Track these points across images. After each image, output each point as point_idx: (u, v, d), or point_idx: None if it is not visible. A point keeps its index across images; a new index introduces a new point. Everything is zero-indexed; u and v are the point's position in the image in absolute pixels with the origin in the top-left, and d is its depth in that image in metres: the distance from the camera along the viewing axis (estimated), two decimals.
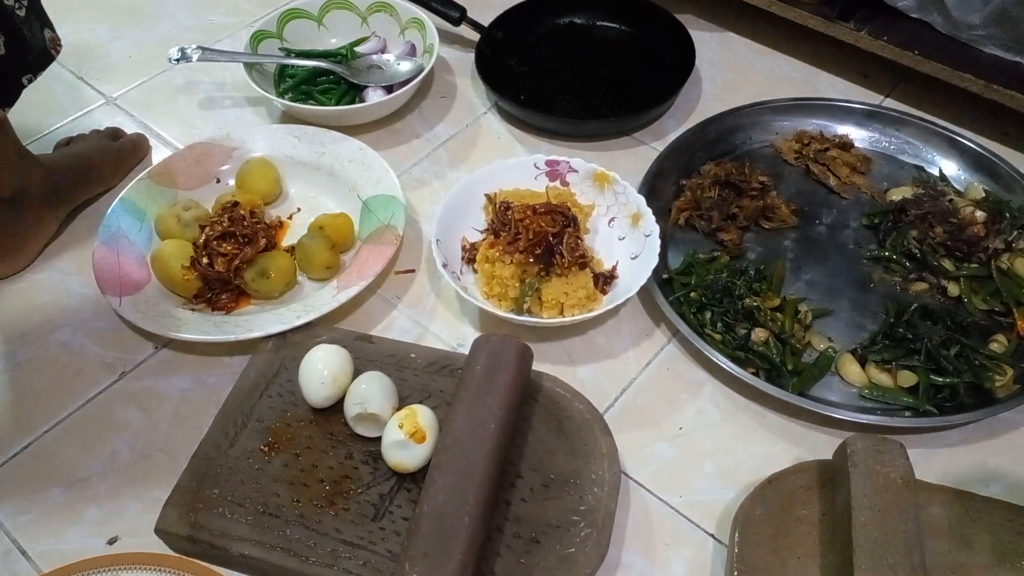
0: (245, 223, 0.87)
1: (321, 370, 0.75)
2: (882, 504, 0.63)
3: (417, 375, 0.79)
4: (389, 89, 1.06)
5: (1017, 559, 0.65)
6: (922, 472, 0.75)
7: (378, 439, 0.73)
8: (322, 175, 0.97)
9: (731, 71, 1.13)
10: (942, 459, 0.77)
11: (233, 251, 0.86)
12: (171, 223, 0.91)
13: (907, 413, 0.79)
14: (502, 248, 0.84)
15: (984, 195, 0.94)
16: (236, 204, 0.90)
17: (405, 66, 1.08)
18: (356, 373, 0.77)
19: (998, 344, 0.83)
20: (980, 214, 0.91)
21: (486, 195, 0.92)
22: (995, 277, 0.87)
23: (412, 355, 0.81)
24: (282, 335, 0.82)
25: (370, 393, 0.73)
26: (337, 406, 0.75)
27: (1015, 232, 0.91)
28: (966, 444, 0.78)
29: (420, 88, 1.08)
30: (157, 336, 0.84)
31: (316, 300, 0.84)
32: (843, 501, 0.65)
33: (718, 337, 0.84)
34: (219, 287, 0.87)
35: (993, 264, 0.87)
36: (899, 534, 0.61)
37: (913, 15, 1.01)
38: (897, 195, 0.95)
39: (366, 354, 0.80)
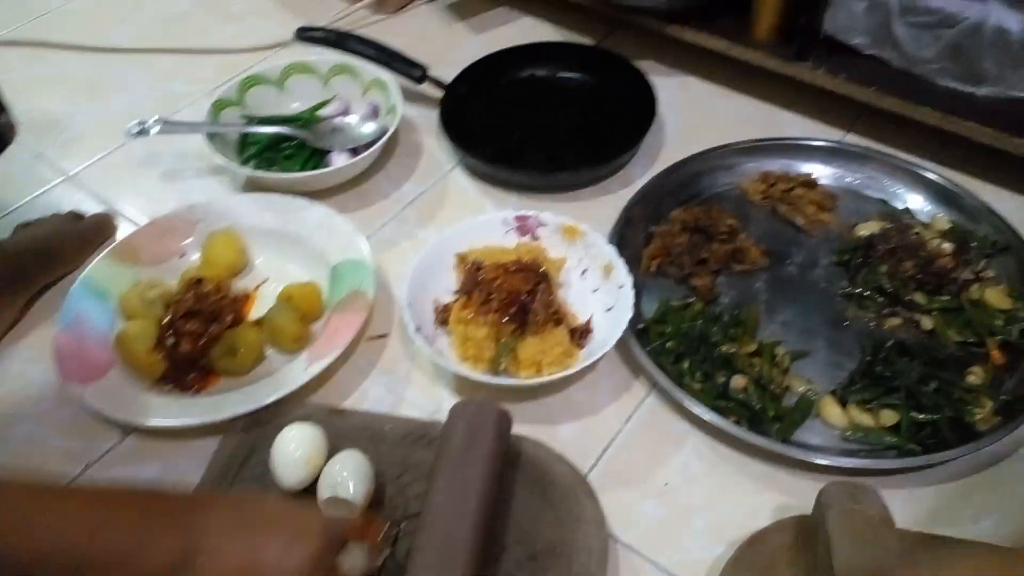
0: (210, 299, 0.86)
1: (294, 452, 0.73)
2: (861, 539, 0.62)
3: (393, 448, 0.77)
4: (354, 151, 1.06)
5: None
6: (911, 511, 0.75)
7: None
8: (289, 243, 0.96)
9: (693, 114, 1.14)
10: (929, 497, 0.76)
11: (199, 329, 0.84)
12: (135, 303, 0.89)
13: (892, 453, 0.78)
14: (475, 309, 0.83)
15: (950, 226, 0.95)
16: (200, 280, 0.88)
17: (368, 127, 1.08)
18: (331, 450, 0.75)
19: (975, 376, 0.82)
20: (947, 246, 0.92)
21: (456, 255, 0.91)
22: (966, 309, 0.87)
23: (387, 427, 0.79)
24: (252, 414, 0.80)
25: (343, 476, 0.71)
26: (314, 486, 0.73)
27: (982, 262, 0.91)
28: (952, 480, 0.77)
29: (385, 148, 1.07)
30: (123, 424, 0.82)
31: (286, 375, 0.83)
32: (823, 546, 0.64)
33: (698, 387, 0.83)
34: (186, 367, 0.85)
35: (964, 296, 0.88)
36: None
37: (868, 52, 1.02)
38: (865, 230, 0.96)
39: (340, 430, 0.78)
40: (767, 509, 0.76)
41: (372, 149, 1.03)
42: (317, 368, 0.82)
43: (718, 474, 0.79)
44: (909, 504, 0.75)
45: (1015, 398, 0.81)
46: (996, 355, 0.84)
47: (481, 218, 0.94)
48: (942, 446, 0.77)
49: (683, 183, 1.02)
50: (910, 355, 0.83)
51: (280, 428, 0.75)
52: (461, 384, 0.85)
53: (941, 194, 0.98)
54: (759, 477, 0.79)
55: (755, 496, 0.77)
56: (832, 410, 0.81)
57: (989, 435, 0.77)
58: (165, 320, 0.85)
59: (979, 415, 0.79)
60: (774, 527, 0.70)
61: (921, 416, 0.79)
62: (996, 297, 0.87)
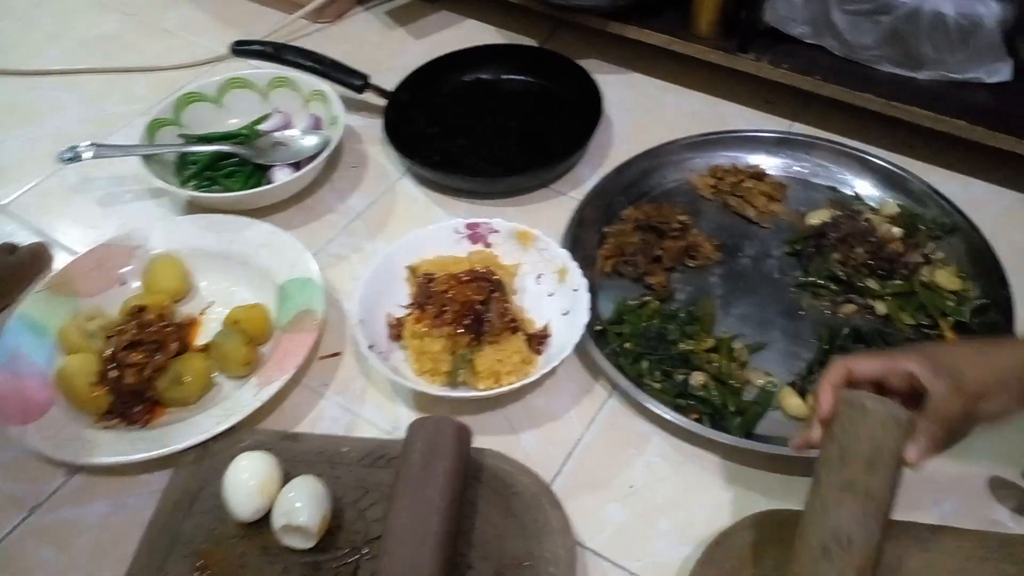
0: (153, 328, 0.83)
1: (247, 481, 0.70)
2: (838, 483, 0.59)
3: (351, 470, 0.75)
4: (297, 166, 1.03)
5: None
6: None
7: (315, 549, 0.69)
8: (233, 264, 0.93)
9: (640, 112, 1.13)
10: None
11: (143, 360, 0.81)
12: (75, 336, 0.85)
13: None
14: (429, 322, 0.81)
15: (898, 210, 0.95)
16: (142, 309, 0.85)
17: (311, 140, 1.05)
18: (286, 477, 0.72)
19: None
20: (896, 230, 0.92)
21: (407, 267, 0.89)
22: (919, 292, 0.87)
23: (344, 449, 0.77)
24: (203, 445, 0.77)
25: (298, 503, 0.68)
26: (269, 516, 0.71)
27: (931, 244, 0.92)
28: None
29: (329, 160, 1.05)
30: (68, 464, 0.79)
31: (236, 401, 0.80)
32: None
33: (657, 386, 0.82)
34: (131, 400, 0.81)
35: (915, 279, 0.88)
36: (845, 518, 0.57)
37: (809, 41, 1.03)
38: (815, 219, 0.96)
39: (294, 455, 0.76)
40: (733, 505, 0.75)
41: (315, 162, 1.00)
42: (267, 393, 0.79)
43: (683, 473, 0.78)
44: None
45: None
46: (950, 336, 0.85)
47: (431, 227, 0.92)
48: None
49: (633, 182, 1.01)
50: (866, 341, 0.84)
51: (232, 458, 0.73)
52: (419, 399, 0.83)
53: (888, 178, 0.98)
54: (724, 473, 0.78)
55: (721, 493, 0.77)
56: (792, 401, 0.81)
57: None
58: (107, 352, 0.82)
59: None
60: (740, 524, 0.70)
61: None
62: (946, 278, 0.88)
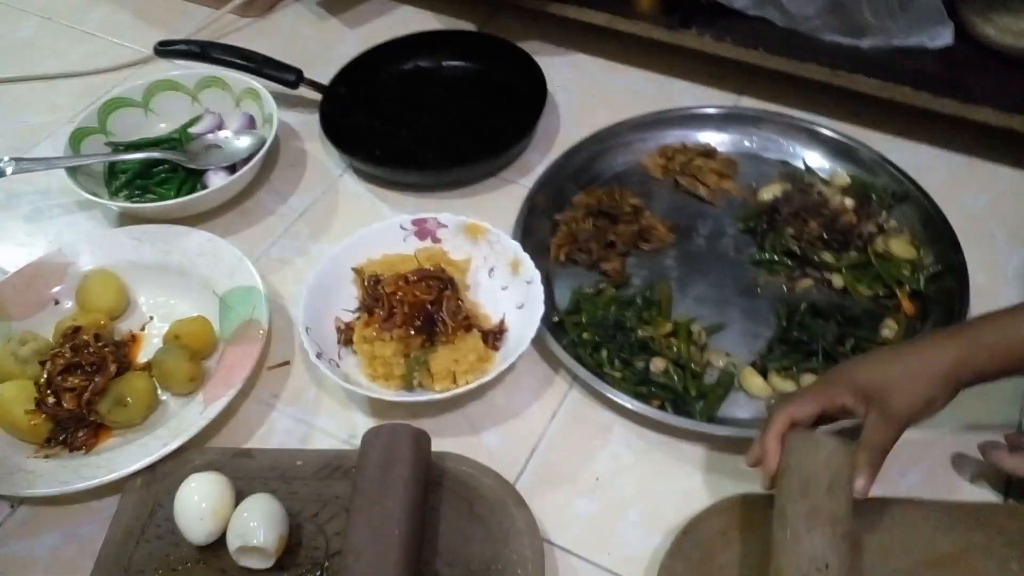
0: (90, 349, 0.79)
1: (198, 503, 0.67)
2: (804, 511, 0.59)
3: (307, 484, 0.72)
4: (232, 168, 0.99)
5: (937, 558, 0.63)
6: None
7: (275, 568, 0.66)
8: (171, 276, 0.89)
9: (586, 93, 1.11)
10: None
11: (81, 384, 0.77)
12: (7, 362, 0.81)
13: None
14: (378, 326, 0.78)
15: (850, 181, 0.95)
16: (78, 329, 0.81)
17: (245, 141, 1.01)
18: (239, 496, 0.69)
19: (889, 329, 0.82)
20: (849, 201, 0.91)
21: (353, 269, 0.86)
22: (874, 262, 0.87)
23: (299, 463, 0.74)
24: (151, 468, 0.74)
25: (252, 522, 0.65)
26: (224, 538, 0.68)
27: (884, 213, 0.91)
28: None
29: (266, 160, 1.01)
30: (10, 497, 0.75)
31: (183, 420, 0.76)
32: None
33: (618, 375, 0.81)
34: (73, 425, 0.78)
35: (870, 249, 0.88)
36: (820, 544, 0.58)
37: (752, 13, 1.01)
38: (767, 194, 0.95)
39: (247, 472, 0.73)
40: (701, 490, 0.74)
41: (251, 163, 0.96)
42: (214, 410, 0.76)
43: (648, 461, 0.77)
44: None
45: None
46: (907, 306, 0.84)
47: (376, 226, 0.89)
48: None
49: (582, 166, 0.99)
50: (824, 316, 0.83)
51: (182, 479, 0.70)
52: (375, 405, 0.81)
53: (838, 149, 0.98)
54: (690, 459, 0.77)
55: (687, 480, 0.76)
56: (753, 381, 0.80)
57: None
58: (43, 378, 0.78)
59: None
60: (707, 512, 0.68)
61: None
62: (901, 247, 0.88)
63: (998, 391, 0.76)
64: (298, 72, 1.08)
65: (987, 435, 0.74)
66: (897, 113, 0.99)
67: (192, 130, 1.04)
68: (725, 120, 1.02)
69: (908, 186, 0.92)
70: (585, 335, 0.83)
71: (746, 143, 1.01)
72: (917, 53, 0.97)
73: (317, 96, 1.07)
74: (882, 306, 0.85)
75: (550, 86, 1.07)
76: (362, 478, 0.67)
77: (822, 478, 0.60)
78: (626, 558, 0.71)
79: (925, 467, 0.74)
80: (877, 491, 0.71)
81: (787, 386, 0.80)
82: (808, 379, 0.79)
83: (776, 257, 0.89)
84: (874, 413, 0.61)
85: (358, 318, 0.81)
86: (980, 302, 0.84)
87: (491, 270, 0.88)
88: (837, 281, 0.87)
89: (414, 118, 1.07)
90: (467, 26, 1.20)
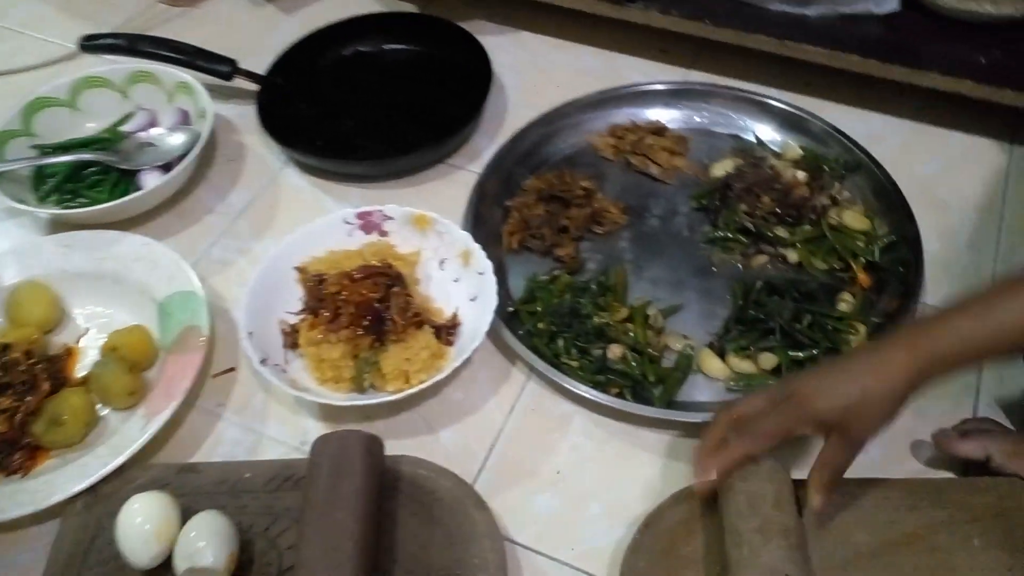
0: (21, 367, 0.75)
1: (141, 525, 0.64)
2: (756, 526, 0.59)
3: (257, 497, 0.70)
4: (167, 167, 0.94)
5: (900, 537, 0.63)
6: (803, 450, 0.73)
7: None
8: (107, 284, 0.85)
9: (533, 73, 1.08)
10: None
11: (13, 404, 0.73)
12: None
13: None
14: (324, 327, 0.75)
15: (801, 153, 0.93)
16: (7, 347, 0.77)
17: (179, 138, 0.96)
18: (186, 514, 0.66)
19: (846, 303, 0.82)
20: (801, 174, 0.90)
21: (296, 269, 0.82)
22: (828, 235, 0.86)
23: (247, 475, 0.71)
24: (91, 489, 0.70)
25: (200, 542, 0.63)
26: (172, 560, 0.65)
27: (836, 185, 0.90)
28: None
29: (203, 157, 0.97)
30: None
31: (124, 436, 0.73)
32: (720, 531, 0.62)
33: (575, 364, 0.79)
34: (6, 449, 0.73)
35: (823, 222, 0.87)
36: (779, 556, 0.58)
37: None
38: (719, 170, 0.93)
39: (193, 488, 0.70)
40: (663, 477, 0.73)
41: (186, 161, 0.92)
42: (156, 425, 0.73)
43: (609, 451, 0.76)
44: (800, 445, 0.74)
45: (885, 318, 0.80)
46: (862, 278, 0.84)
47: (319, 221, 0.85)
48: None
49: (532, 149, 0.97)
50: (780, 293, 0.82)
51: (125, 499, 0.66)
52: (326, 410, 0.78)
53: (788, 121, 0.96)
54: (651, 446, 0.76)
55: (649, 467, 0.74)
56: (711, 363, 0.79)
57: None
58: None
59: (855, 342, 0.79)
60: (669, 502, 0.67)
61: (800, 354, 0.78)
62: (854, 219, 0.87)
63: (951, 384, 0.76)
64: (232, 63, 1.03)
65: (942, 421, 0.73)
66: (847, 82, 0.98)
67: (123, 128, 0.99)
68: (674, 96, 1.00)
69: (860, 156, 0.91)
70: (541, 324, 0.81)
71: (696, 118, 0.99)
72: (864, 20, 0.96)
73: (254, 87, 1.03)
74: (838, 279, 0.84)
75: (496, 67, 1.04)
76: (312, 490, 0.64)
77: (768, 493, 0.60)
78: (590, 552, 0.70)
79: (883, 444, 0.74)
80: None
81: (745, 366, 0.79)
82: (766, 358, 0.78)
83: (730, 234, 0.88)
84: (834, 438, 0.61)
85: (303, 320, 0.78)
86: (935, 271, 0.84)
87: (442, 262, 0.85)
88: (792, 256, 0.86)
89: (356, 106, 1.04)
90: (408, 7, 1.16)
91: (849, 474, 0.68)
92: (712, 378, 0.79)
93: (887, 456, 0.72)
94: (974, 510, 0.63)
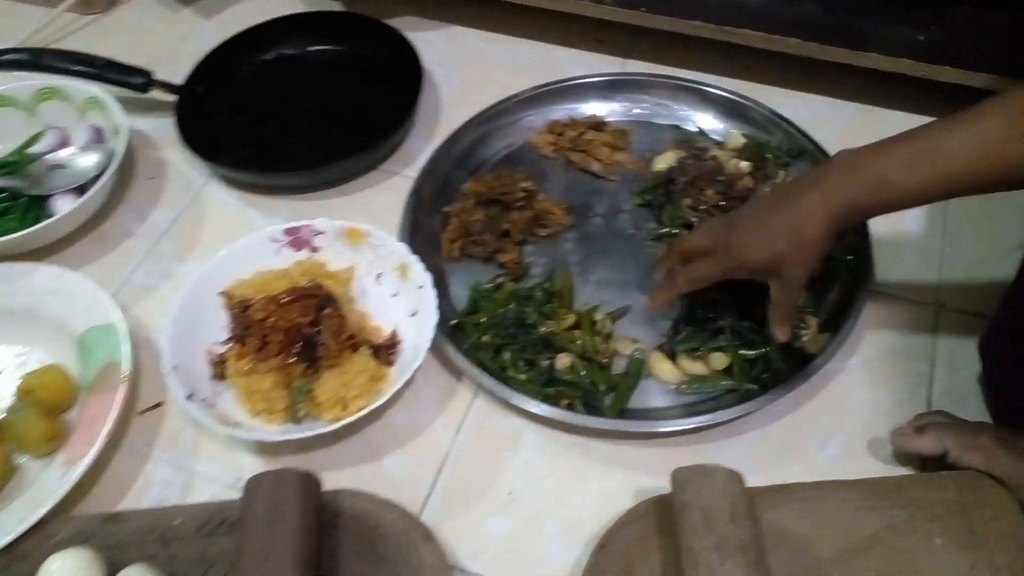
0: None
1: None
2: (712, 544, 0.57)
3: (190, 544, 0.65)
4: (81, 190, 0.89)
5: (860, 542, 0.61)
6: (759, 454, 0.72)
7: None
8: (19, 321, 0.79)
9: (466, 69, 1.04)
10: (777, 433, 0.73)
11: None
12: None
13: (731, 397, 0.74)
14: (252, 357, 0.71)
15: (744, 141, 0.91)
16: None
17: (93, 157, 0.90)
18: (113, 568, 0.62)
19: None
20: (745, 164, 0.87)
21: (220, 294, 0.78)
22: None
23: (177, 521, 0.67)
24: (8, 548, 0.65)
25: None
26: None
27: (781, 173, 0.88)
28: (792, 412, 0.74)
29: (120, 176, 0.92)
30: None
31: (42, 488, 0.68)
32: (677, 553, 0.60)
33: (523, 377, 0.76)
34: None
35: None
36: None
37: None
38: (662, 163, 0.90)
39: (120, 540, 0.65)
40: (618, 490, 0.71)
41: (101, 182, 0.86)
42: (77, 472, 0.68)
43: (562, 466, 0.73)
44: (756, 447, 0.72)
45: (836, 309, 0.78)
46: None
47: (242, 241, 0.80)
48: (777, 379, 0.73)
49: (469, 151, 0.93)
50: (728, 290, 0.79)
51: (45, 557, 0.62)
52: (261, 443, 0.74)
53: (729, 109, 0.94)
54: (605, 458, 0.73)
55: (604, 480, 0.72)
56: (662, 366, 0.76)
57: (819, 356, 0.74)
58: None
59: (806, 336, 0.77)
60: (625, 519, 0.64)
61: (751, 352, 0.76)
62: None
63: (905, 374, 0.75)
64: (147, 73, 0.97)
65: (897, 412, 0.72)
66: (788, 65, 0.96)
67: (32, 150, 0.93)
68: (613, 87, 0.96)
69: (803, 141, 0.89)
70: (486, 337, 0.78)
71: (636, 110, 0.96)
72: (802, 2, 0.94)
73: (172, 98, 0.97)
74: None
75: (427, 64, 0.99)
76: (246, 535, 0.60)
77: (723, 508, 0.58)
78: (546, 575, 0.67)
79: (841, 440, 0.72)
80: (798, 472, 0.69)
81: (697, 367, 0.76)
82: (717, 358, 0.76)
83: (675, 230, 0.85)
84: (774, 283, 0.66)
85: (231, 349, 0.74)
86: (883, 255, 0.82)
87: (378, 276, 0.81)
88: None
89: (282, 113, 0.98)
90: (333, 6, 1.11)
91: (807, 478, 0.67)
92: (664, 382, 0.76)
93: (845, 454, 0.71)
94: (934, 507, 0.62)
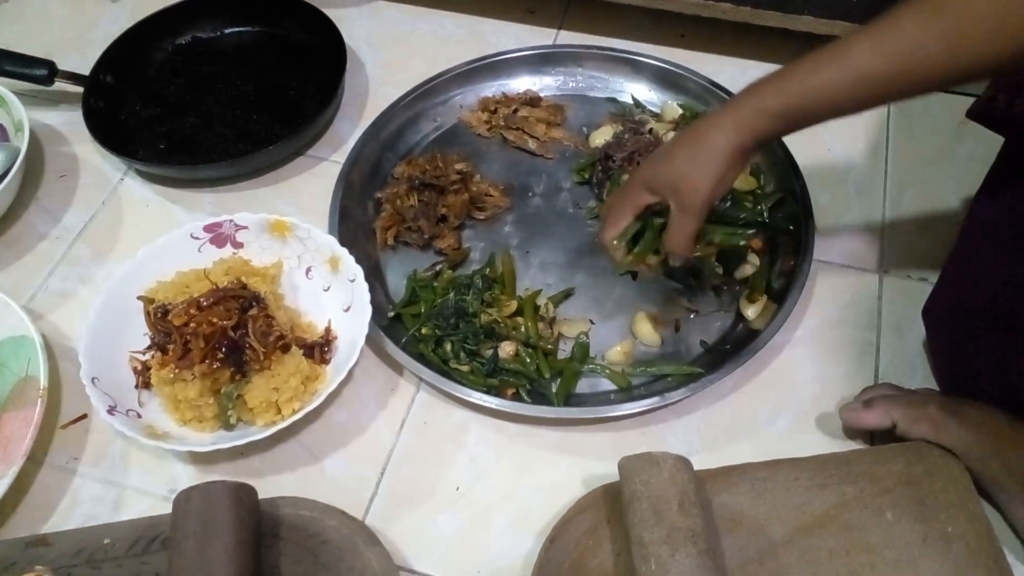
0: None
1: None
2: (662, 536, 0.56)
3: (121, 565, 0.62)
4: None
5: (812, 520, 0.60)
6: (710, 431, 0.71)
7: None
8: None
9: (392, 46, 1.00)
10: (724, 412, 0.72)
11: None
12: None
13: (675, 382, 0.72)
14: (176, 364, 0.67)
15: (680, 112, 0.89)
16: None
17: None
18: None
19: (751, 265, 0.78)
20: None
21: (139, 298, 0.73)
22: None
23: (107, 540, 0.63)
24: None
25: None
26: None
27: None
28: (742, 387, 0.73)
29: (28, 175, 0.86)
30: None
31: None
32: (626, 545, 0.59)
33: (465, 368, 0.73)
34: None
35: None
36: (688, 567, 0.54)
37: None
38: (599, 138, 0.88)
39: (46, 564, 0.61)
40: (568, 478, 0.69)
41: (6, 182, 0.81)
42: None
43: (510, 457, 0.71)
44: (706, 426, 0.71)
45: (783, 278, 0.77)
46: (754, 241, 0.80)
47: (161, 241, 0.76)
48: (725, 356, 0.72)
49: (398, 133, 0.89)
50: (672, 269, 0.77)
51: None
52: (193, 455, 0.70)
53: (664, 79, 0.91)
54: (553, 446, 0.71)
55: (552, 470, 0.70)
56: (644, 328, 0.76)
57: (764, 330, 0.73)
58: None
59: (755, 311, 0.76)
60: (574, 511, 0.63)
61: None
62: (741, 179, 0.83)
63: (851, 343, 0.75)
64: (50, 64, 0.91)
65: (844, 384, 0.72)
66: (722, 31, 0.94)
67: None
68: (545, 61, 0.93)
69: None
70: (425, 329, 0.75)
71: (571, 83, 0.93)
72: None
73: (79, 89, 0.91)
74: (732, 246, 0.80)
75: (350, 42, 0.95)
76: (178, 555, 0.57)
77: (671, 497, 0.57)
78: (498, 571, 0.65)
79: (790, 415, 0.71)
80: (748, 450, 0.69)
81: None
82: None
83: None
84: (673, 206, 0.64)
85: (153, 357, 0.70)
86: (826, 223, 0.82)
87: (308, 270, 0.78)
88: None
89: (199, 101, 0.93)
90: None
91: (757, 455, 0.66)
92: (648, 344, 0.75)
93: (795, 429, 0.70)
94: (884, 481, 0.61)
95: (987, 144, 0.69)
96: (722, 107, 0.63)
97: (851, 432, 0.69)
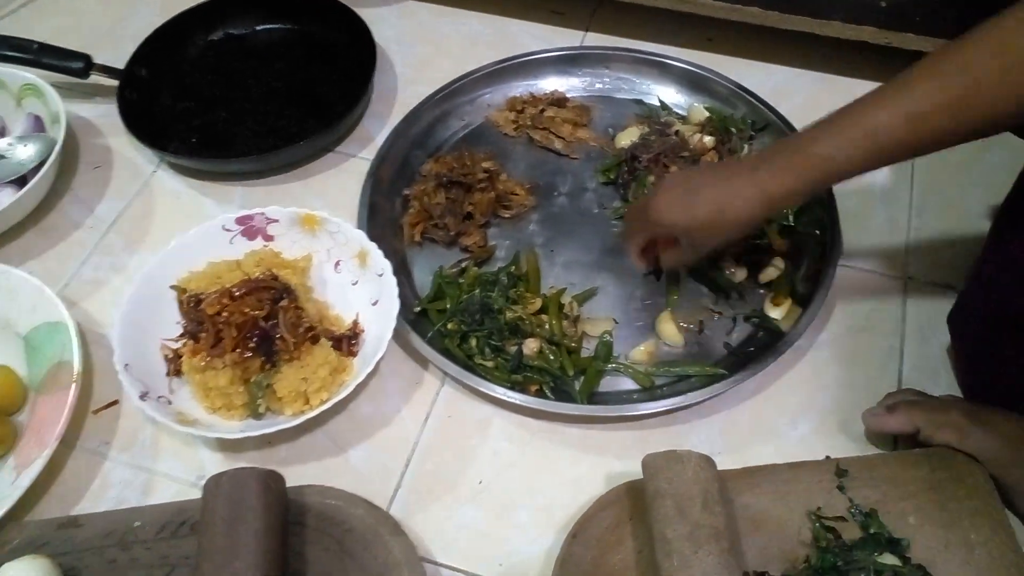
0: None
1: None
2: (685, 533, 0.56)
3: (150, 548, 0.63)
4: (22, 181, 0.85)
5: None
6: (732, 434, 0.71)
7: None
8: None
9: (421, 45, 1.01)
10: (748, 413, 0.72)
11: None
12: None
13: (701, 377, 0.73)
14: (207, 353, 0.68)
15: (707, 115, 0.89)
16: None
17: (32, 147, 0.86)
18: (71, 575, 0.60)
19: (775, 268, 0.79)
20: (708, 139, 0.86)
21: (172, 287, 0.74)
22: None
23: (136, 523, 0.64)
24: None
25: None
26: None
27: (744, 147, 0.87)
28: (765, 389, 0.74)
29: (63, 166, 0.88)
30: None
31: None
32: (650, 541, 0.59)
33: (490, 364, 0.74)
34: None
35: None
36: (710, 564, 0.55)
37: None
38: (625, 139, 0.88)
39: (77, 545, 0.63)
40: (589, 475, 0.70)
41: (42, 172, 0.83)
42: (29, 477, 0.65)
43: (532, 452, 0.71)
44: (728, 428, 0.72)
45: (807, 282, 0.78)
46: (778, 243, 0.80)
47: (194, 232, 0.77)
48: (749, 358, 0.73)
49: (427, 130, 0.90)
50: (700, 273, 0.78)
51: None
52: (222, 440, 0.71)
53: (692, 81, 0.92)
54: (575, 443, 0.72)
55: (574, 466, 0.70)
56: (668, 328, 0.76)
57: (789, 333, 0.73)
58: None
59: (782, 312, 0.76)
60: (597, 507, 0.63)
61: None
62: None
63: (875, 348, 0.75)
64: (86, 57, 0.93)
65: (868, 388, 0.72)
66: (747, 36, 0.95)
67: None
68: (572, 62, 0.94)
69: (767, 113, 0.88)
70: (451, 324, 0.76)
71: (598, 85, 0.94)
72: None
73: (114, 83, 0.93)
74: (757, 248, 0.81)
75: (380, 41, 0.96)
76: (207, 538, 0.58)
77: (695, 495, 0.57)
78: (519, 566, 0.66)
79: (813, 419, 0.72)
80: (770, 453, 0.69)
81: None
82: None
83: None
84: (686, 242, 0.68)
85: (185, 345, 0.71)
86: (851, 228, 0.82)
87: (337, 264, 0.79)
88: None
89: (231, 95, 0.94)
90: None
91: (779, 457, 0.66)
92: (671, 345, 0.76)
93: (817, 433, 0.71)
94: (907, 486, 0.61)
95: (1014, 152, 0.69)
96: (755, 162, 0.63)
97: (874, 437, 0.69)
